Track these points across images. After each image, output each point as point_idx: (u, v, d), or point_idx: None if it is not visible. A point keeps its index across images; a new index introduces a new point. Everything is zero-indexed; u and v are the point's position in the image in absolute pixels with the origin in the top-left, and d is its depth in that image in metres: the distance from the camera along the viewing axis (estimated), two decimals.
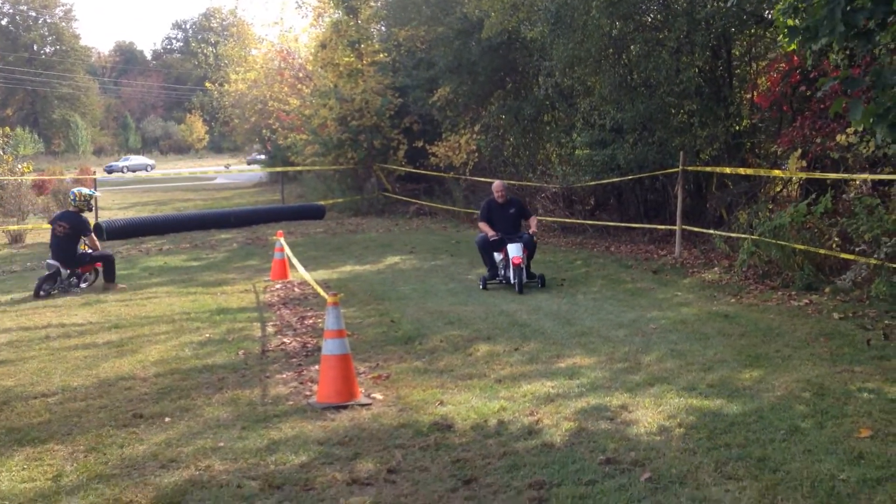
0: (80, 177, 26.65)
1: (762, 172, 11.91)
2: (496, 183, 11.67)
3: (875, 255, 8.85)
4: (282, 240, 12.25)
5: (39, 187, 23.61)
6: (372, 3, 23.64)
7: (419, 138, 21.63)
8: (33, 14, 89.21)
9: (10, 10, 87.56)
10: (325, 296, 6.49)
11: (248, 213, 20.75)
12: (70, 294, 11.10)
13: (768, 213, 10.81)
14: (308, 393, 6.28)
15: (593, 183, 15.06)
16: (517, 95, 19.04)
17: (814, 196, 10.37)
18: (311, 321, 9.00)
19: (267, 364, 7.24)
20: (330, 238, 17.02)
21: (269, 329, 8.71)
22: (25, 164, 21.11)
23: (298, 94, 31.29)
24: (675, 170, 12.78)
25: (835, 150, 10.52)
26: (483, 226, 11.31)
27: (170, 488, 4.57)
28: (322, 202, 22.14)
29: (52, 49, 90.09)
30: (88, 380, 6.85)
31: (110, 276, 11.53)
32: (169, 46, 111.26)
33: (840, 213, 10.18)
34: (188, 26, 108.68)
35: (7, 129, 21.54)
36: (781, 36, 5.77)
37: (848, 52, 10.27)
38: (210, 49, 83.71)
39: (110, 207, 26.44)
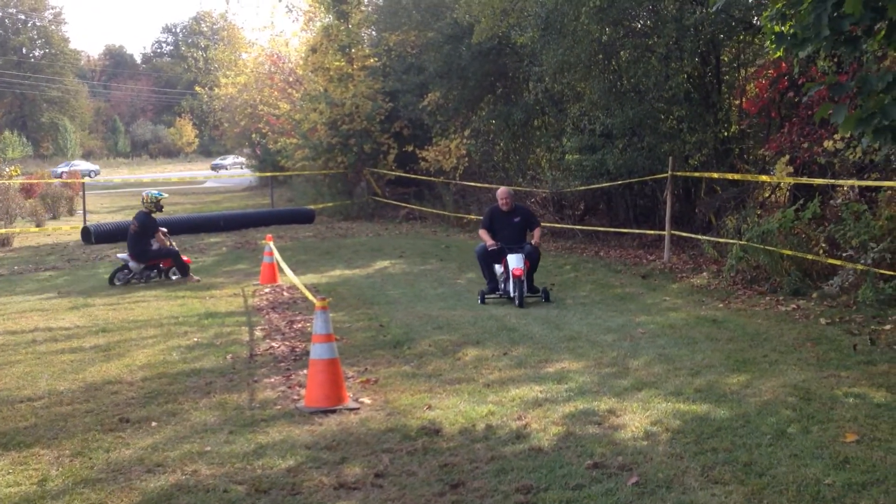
0: (69, 181, 26.54)
1: (750, 178, 11.97)
2: (501, 189, 10.83)
3: (862, 261, 8.90)
4: (271, 244, 12.23)
5: (27, 190, 23.52)
6: (363, 8, 23.65)
7: (409, 143, 21.65)
8: (22, 17, 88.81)
9: None
10: (314, 300, 6.48)
11: (238, 216, 20.72)
12: (147, 283, 12.04)
13: (756, 218, 10.86)
14: (296, 397, 6.27)
15: (583, 188, 15.10)
16: (507, 100, 19.08)
17: (801, 202, 10.43)
18: (299, 325, 8.98)
19: (255, 368, 7.22)
20: (319, 242, 16.99)
21: (258, 333, 8.68)
22: (13, 168, 21.02)
23: (288, 98, 31.25)
24: (664, 175, 12.83)
25: (822, 156, 10.58)
26: (483, 234, 10.56)
27: (156, 493, 4.55)
28: (312, 206, 22.13)
29: (42, 52, 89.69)
30: (75, 384, 6.81)
31: (183, 270, 12.40)
32: (159, 50, 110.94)
33: (827, 219, 10.24)
34: (178, 30, 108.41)
35: None
36: (769, 42, 5.80)
37: (836, 60, 10.36)
38: (200, 53, 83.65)
39: (99, 211, 26.34)
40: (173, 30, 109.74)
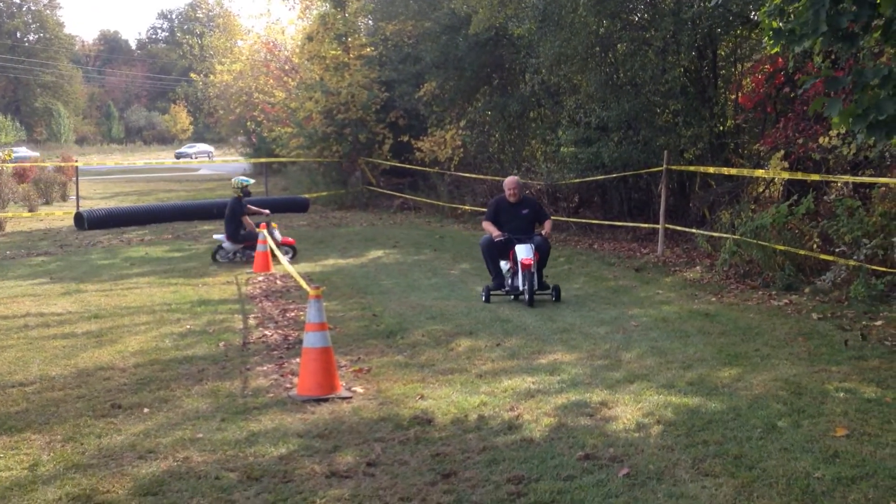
0: (63, 164, 26.44)
1: (745, 173, 11.99)
2: (508, 179, 10.08)
3: (854, 257, 8.93)
4: (265, 231, 12.22)
5: (20, 175, 23.40)
6: None
7: (405, 133, 21.59)
8: (17, 1, 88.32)
9: None
10: (308, 288, 6.48)
11: None
12: (244, 262, 12.70)
13: (750, 213, 10.88)
14: (288, 385, 6.27)
15: (578, 181, 15.10)
16: (503, 92, 19.05)
17: (795, 197, 10.44)
18: (292, 314, 8.97)
19: (248, 356, 7.22)
20: (313, 231, 16.97)
21: (251, 321, 8.68)
22: (6, 152, 20.90)
23: (284, 86, 31.14)
24: (659, 169, 12.84)
25: (817, 152, 10.60)
26: (487, 226, 9.85)
27: (147, 479, 4.55)
28: (306, 195, 22.07)
29: (36, 37, 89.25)
30: (67, 369, 6.80)
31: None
32: (154, 36, 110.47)
33: (821, 215, 10.27)
34: (174, 16, 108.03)
35: None
36: (766, 37, 5.79)
37: (832, 57, 10.37)
38: (195, 39, 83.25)
39: (92, 197, 26.24)
40: (169, 16, 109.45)
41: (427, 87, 19.82)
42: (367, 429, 5.30)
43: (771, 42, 5.63)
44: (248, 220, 12.98)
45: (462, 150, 19.88)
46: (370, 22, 25.05)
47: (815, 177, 10.38)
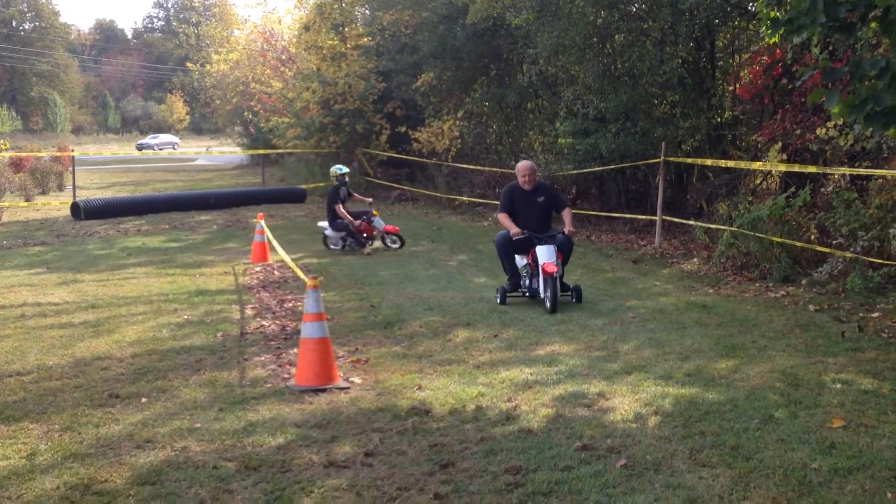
0: (59, 154, 26.36)
1: (743, 165, 11.99)
2: (522, 163, 9.11)
3: (851, 249, 8.94)
4: (262, 222, 12.19)
5: (16, 165, 23.34)
6: None
7: (402, 123, 21.55)
8: None
9: None
10: (305, 279, 6.47)
11: (229, 195, 20.64)
12: (353, 250, 12.97)
13: (748, 205, 10.88)
14: (286, 376, 6.27)
15: (575, 172, 15.09)
16: (501, 82, 19.02)
17: (793, 189, 10.45)
18: (290, 304, 8.97)
19: (245, 346, 7.22)
20: (311, 222, 16.93)
21: (248, 311, 8.67)
22: (2, 142, 20.84)
23: (281, 76, 31.06)
24: (657, 160, 12.84)
25: (814, 143, 10.60)
26: (504, 219, 8.86)
27: (145, 468, 4.55)
28: (303, 186, 22.04)
29: (31, 25, 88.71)
30: (64, 359, 6.80)
31: (359, 241, 13.14)
32: (150, 25, 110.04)
33: (818, 207, 10.28)
34: (170, 5, 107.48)
35: None
36: (765, 28, 5.78)
37: (830, 48, 10.36)
38: (192, 29, 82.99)
39: (88, 187, 26.18)
40: (165, 5, 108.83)
41: (424, 77, 19.78)
42: (365, 419, 5.31)
43: (769, 32, 5.62)
44: (340, 209, 12.93)
45: (459, 140, 19.86)
46: (367, 11, 24.99)
47: (813, 169, 10.38)
